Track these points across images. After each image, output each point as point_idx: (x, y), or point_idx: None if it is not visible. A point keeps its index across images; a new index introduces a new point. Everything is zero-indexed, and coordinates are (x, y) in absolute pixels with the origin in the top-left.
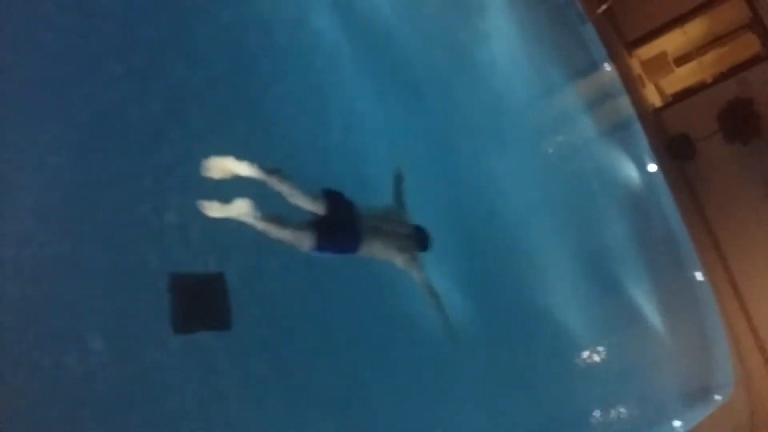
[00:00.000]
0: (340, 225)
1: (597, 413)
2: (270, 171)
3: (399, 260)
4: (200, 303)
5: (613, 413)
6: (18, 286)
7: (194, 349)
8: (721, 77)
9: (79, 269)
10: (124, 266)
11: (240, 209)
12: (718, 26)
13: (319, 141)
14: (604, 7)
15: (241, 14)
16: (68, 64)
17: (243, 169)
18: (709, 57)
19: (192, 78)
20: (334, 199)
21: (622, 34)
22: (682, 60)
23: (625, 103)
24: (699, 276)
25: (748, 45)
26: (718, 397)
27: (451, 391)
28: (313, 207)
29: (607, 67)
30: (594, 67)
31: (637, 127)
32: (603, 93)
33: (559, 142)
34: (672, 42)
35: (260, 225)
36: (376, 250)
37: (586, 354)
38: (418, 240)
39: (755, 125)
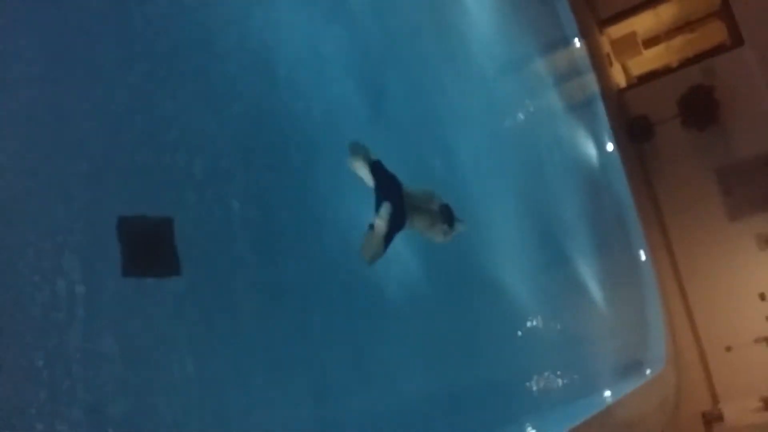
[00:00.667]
0: (389, 200)
1: (533, 379)
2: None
3: (431, 233)
4: (148, 247)
5: (549, 380)
6: None
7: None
8: (687, 63)
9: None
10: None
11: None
12: (689, 11)
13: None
14: None
15: None
16: None
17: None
18: (677, 42)
19: None
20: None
21: (595, 11)
22: (650, 42)
23: (590, 81)
24: (643, 255)
25: (715, 33)
26: (648, 371)
27: (390, 348)
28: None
29: (577, 42)
30: (564, 41)
31: (600, 106)
32: (570, 68)
33: (520, 112)
34: (643, 23)
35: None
36: (416, 224)
37: (527, 322)
38: (445, 216)
39: (714, 113)
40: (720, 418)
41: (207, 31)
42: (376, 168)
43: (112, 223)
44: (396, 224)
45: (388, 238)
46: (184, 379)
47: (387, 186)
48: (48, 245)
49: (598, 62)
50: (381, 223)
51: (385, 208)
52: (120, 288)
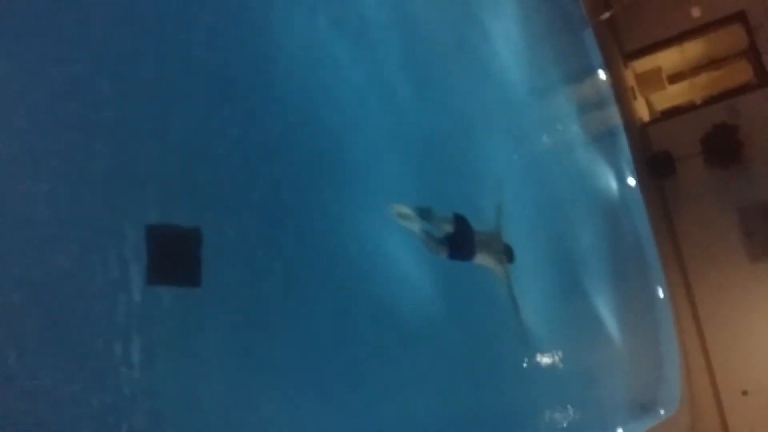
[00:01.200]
0: (463, 241)
1: (544, 412)
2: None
3: (496, 268)
4: (172, 256)
5: (560, 414)
6: None
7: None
8: (711, 101)
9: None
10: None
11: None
12: (715, 50)
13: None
14: (608, 14)
15: None
16: None
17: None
18: (702, 79)
19: None
20: (460, 222)
21: (620, 44)
22: (675, 78)
23: (614, 113)
24: (660, 293)
25: (741, 72)
26: (662, 411)
27: (399, 373)
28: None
29: (602, 74)
30: (589, 73)
31: (623, 139)
32: (594, 100)
33: (543, 142)
34: (668, 59)
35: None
36: (483, 260)
37: (541, 354)
38: (508, 255)
39: (737, 152)
40: None
41: (239, 48)
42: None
43: (141, 230)
44: (464, 256)
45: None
46: (192, 388)
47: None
48: (76, 250)
49: (622, 95)
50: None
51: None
52: (142, 296)
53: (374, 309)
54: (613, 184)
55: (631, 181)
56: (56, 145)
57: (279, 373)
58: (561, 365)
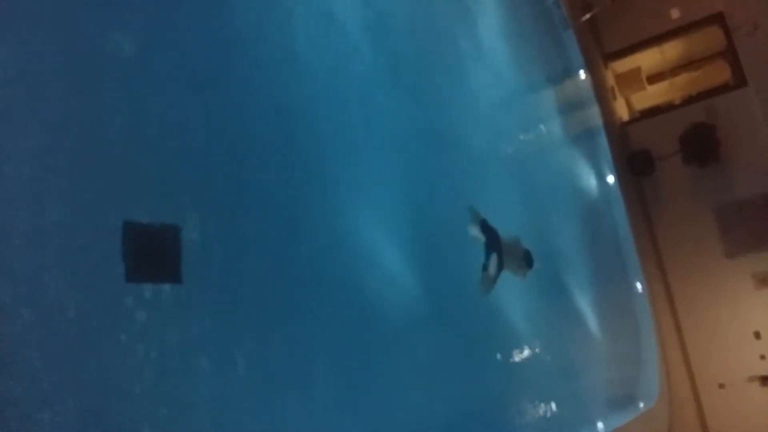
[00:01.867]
0: (494, 249)
1: (526, 408)
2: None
3: (518, 273)
4: (152, 254)
5: (541, 409)
6: None
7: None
8: (689, 100)
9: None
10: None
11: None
12: (693, 50)
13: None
14: (588, 15)
15: None
16: None
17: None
18: (681, 79)
19: None
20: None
21: (601, 45)
22: (654, 78)
23: (594, 113)
24: (639, 287)
25: (719, 73)
26: (641, 405)
27: (383, 372)
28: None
29: (582, 75)
30: (570, 73)
31: (602, 138)
32: (575, 100)
33: (524, 142)
34: (648, 59)
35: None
36: (509, 267)
37: (521, 350)
38: (528, 260)
39: (715, 151)
40: None
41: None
42: (484, 225)
43: (118, 227)
44: (499, 266)
45: (496, 277)
46: (174, 386)
47: (492, 238)
48: (52, 246)
49: (603, 96)
50: (492, 268)
51: (494, 258)
52: (122, 293)
53: (359, 307)
54: (593, 183)
55: (611, 179)
56: (34, 143)
57: (264, 372)
58: (541, 360)
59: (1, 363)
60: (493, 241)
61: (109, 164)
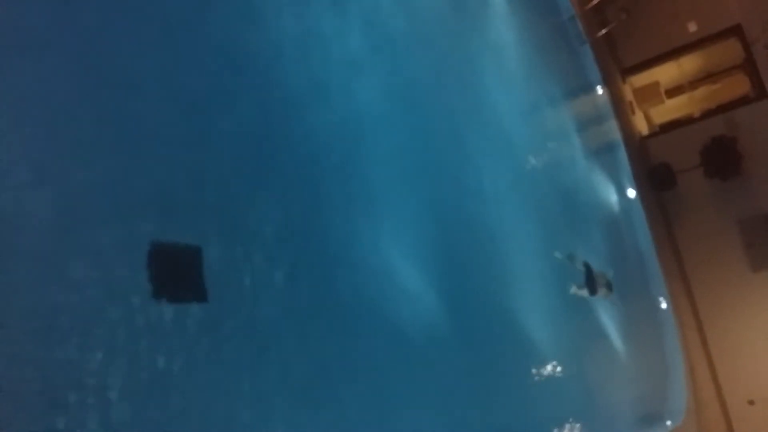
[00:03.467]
0: (593, 282)
1: (551, 425)
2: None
3: (606, 297)
4: (176, 273)
5: (566, 427)
6: None
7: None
8: (709, 113)
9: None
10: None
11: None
12: (712, 63)
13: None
14: (604, 30)
15: None
16: None
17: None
18: (700, 92)
19: None
20: (587, 266)
21: (618, 60)
22: (673, 92)
23: (613, 128)
24: (663, 304)
25: (738, 85)
26: (669, 422)
27: (406, 389)
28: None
29: (600, 90)
30: (587, 88)
31: (622, 153)
32: (593, 115)
33: (543, 157)
34: (666, 73)
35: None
36: (600, 293)
37: (546, 368)
38: (609, 287)
39: (736, 164)
40: None
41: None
42: (585, 265)
43: (144, 248)
44: (592, 292)
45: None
46: (199, 404)
47: (588, 271)
48: (83, 265)
49: (621, 110)
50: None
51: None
52: (150, 312)
53: (380, 324)
54: (614, 198)
55: (632, 194)
56: (61, 164)
57: (284, 387)
58: (566, 378)
59: (27, 378)
60: (589, 274)
61: (137, 186)
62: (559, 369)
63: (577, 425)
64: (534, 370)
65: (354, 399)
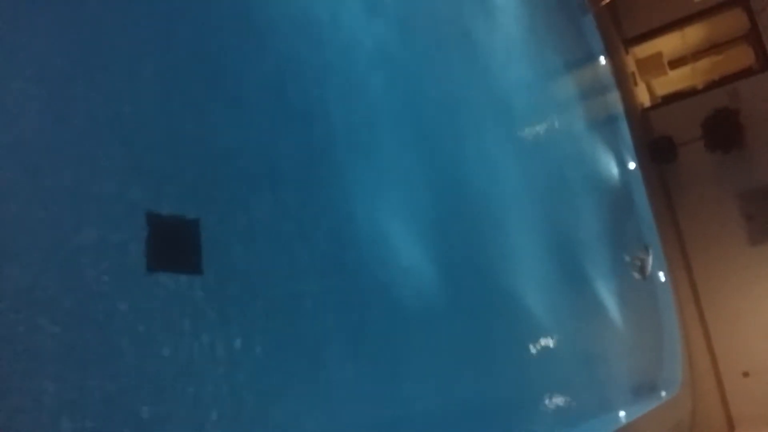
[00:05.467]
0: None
1: (547, 396)
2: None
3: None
4: (173, 244)
5: (562, 397)
6: None
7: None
8: (712, 85)
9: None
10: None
11: None
12: (716, 34)
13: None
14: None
15: None
16: None
17: None
18: (704, 63)
19: None
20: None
21: (621, 30)
22: (676, 63)
23: (614, 99)
24: (662, 276)
25: (742, 56)
26: (663, 394)
27: (403, 358)
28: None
29: (602, 60)
30: (589, 59)
31: (623, 124)
32: (594, 86)
33: (542, 128)
34: (669, 44)
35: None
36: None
37: (543, 338)
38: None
39: (738, 136)
40: None
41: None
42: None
43: (140, 218)
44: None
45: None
46: (196, 378)
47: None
48: (75, 238)
49: (623, 81)
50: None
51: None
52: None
53: (379, 298)
54: (614, 169)
55: (632, 166)
56: (59, 135)
57: (281, 362)
58: (562, 349)
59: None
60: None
61: (133, 157)
62: (554, 340)
63: (572, 395)
64: (529, 341)
65: (349, 368)
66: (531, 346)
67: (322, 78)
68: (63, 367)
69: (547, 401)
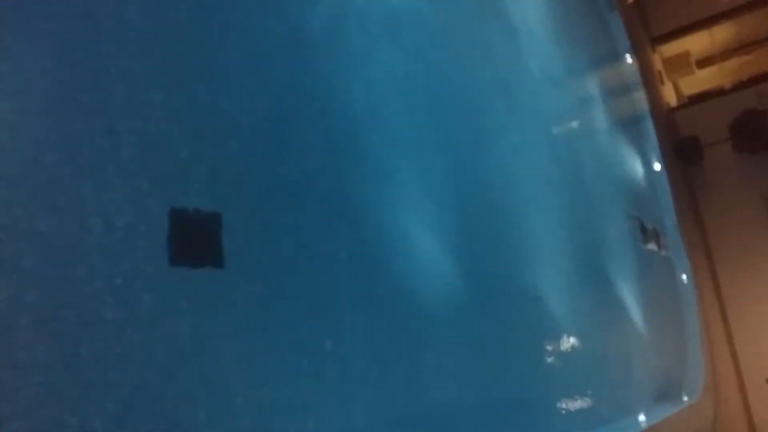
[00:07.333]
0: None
1: (567, 397)
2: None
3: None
4: (195, 239)
5: (582, 399)
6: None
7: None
8: (740, 85)
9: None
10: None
11: None
12: (745, 34)
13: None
14: None
15: None
16: None
17: None
18: (732, 63)
19: None
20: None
21: (648, 28)
22: (704, 62)
23: (640, 98)
24: (685, 279)
25: None
26: (685, 398)
27: (421, 355)
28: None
29: (629, 59)
30: (616, 57)
31: (649, 124)
32: (620, 84)
33: (567, 126)
34: (697, 43)
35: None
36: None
37: (563, 340)
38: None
39: (766, 138)
40: None
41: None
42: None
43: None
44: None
45: None
46: (214, 372)
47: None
48: (99, 230)
49: (650, 80)
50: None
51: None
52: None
53: (398, 295)
54: (639, 170)
55: (658, 167)
56: (81, 127)
57: (301, 357)
58: (583, 351)
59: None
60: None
61: (158, 152)
62: (576, 341)
63: (592, 397)
64: (551, 342)
65: (366, 365)
66: (551, 346)
67: (344, 74)
68: (81, 366)
69: (566, 402)
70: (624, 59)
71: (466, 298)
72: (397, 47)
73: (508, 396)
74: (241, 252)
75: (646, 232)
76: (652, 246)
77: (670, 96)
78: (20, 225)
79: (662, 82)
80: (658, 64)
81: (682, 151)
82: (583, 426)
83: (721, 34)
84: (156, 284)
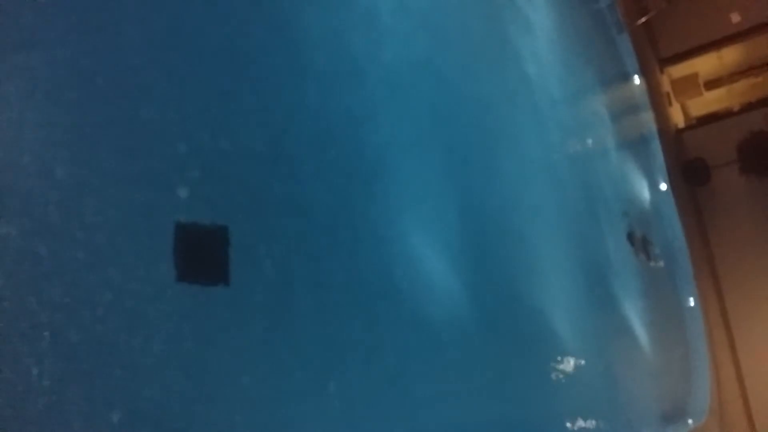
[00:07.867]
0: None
1: (571, 419)
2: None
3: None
4: (201, 254)
5: (587, 422)
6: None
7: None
8: (749, 107)
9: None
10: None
11: None
12: (754, 56)
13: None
14: (644, 19)
15: None
16: None
17: None
18: (740, 85)
19: None
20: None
21: (656, 49)
22: (712, 84)
23: (648, 119)
24: (692, 301)
25: None
26: (690, 421)
27: (425, 376)
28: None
29: (637, 80)
30: (624, 78)
31: (656, 145)
32: (629, 105)
33: (575, 146)
34: (705, 65)
35: None
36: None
37: (569, 361)
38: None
39: None
40: None
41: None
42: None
43: (170, 228)
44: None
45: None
46: (219, 387)
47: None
48: (105, 246)
49: (658, 101)
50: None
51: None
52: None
53: (404, 313)
54: (646, 191)
55: (664, 188)
56: (85, 143)
57: (306, 376)
58: (589, 372)
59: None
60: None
61: (163, 164)
62: (581, 363)
63: (598, 420)
64: (556, 363)
65: (369, 385)
66: (556, 367)
67: (353, 91)
68: (90, 378)
69: (571, 423)
70: (632, 80)
71: (472, 317)
72: (406, 63)
73: (512, 419)
74: (247, 268)
75: (633, 239)
76: (640, 256)
77: (677, 117)
78: (21, 240)
79: (670, 104)
80: (666, 86)
81: (690, 173)
82: None
83: (729, 56)
84: (160, 299)
